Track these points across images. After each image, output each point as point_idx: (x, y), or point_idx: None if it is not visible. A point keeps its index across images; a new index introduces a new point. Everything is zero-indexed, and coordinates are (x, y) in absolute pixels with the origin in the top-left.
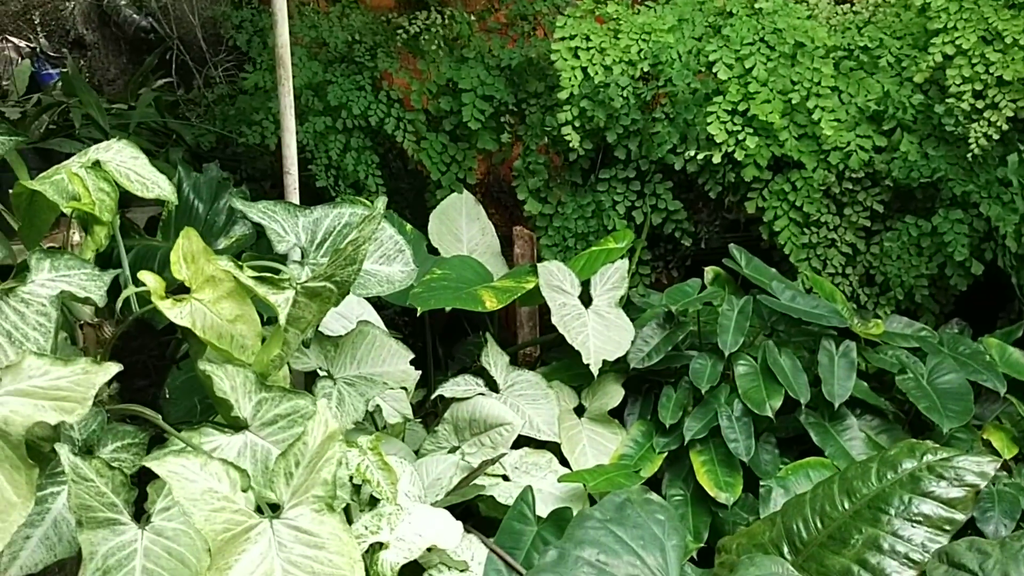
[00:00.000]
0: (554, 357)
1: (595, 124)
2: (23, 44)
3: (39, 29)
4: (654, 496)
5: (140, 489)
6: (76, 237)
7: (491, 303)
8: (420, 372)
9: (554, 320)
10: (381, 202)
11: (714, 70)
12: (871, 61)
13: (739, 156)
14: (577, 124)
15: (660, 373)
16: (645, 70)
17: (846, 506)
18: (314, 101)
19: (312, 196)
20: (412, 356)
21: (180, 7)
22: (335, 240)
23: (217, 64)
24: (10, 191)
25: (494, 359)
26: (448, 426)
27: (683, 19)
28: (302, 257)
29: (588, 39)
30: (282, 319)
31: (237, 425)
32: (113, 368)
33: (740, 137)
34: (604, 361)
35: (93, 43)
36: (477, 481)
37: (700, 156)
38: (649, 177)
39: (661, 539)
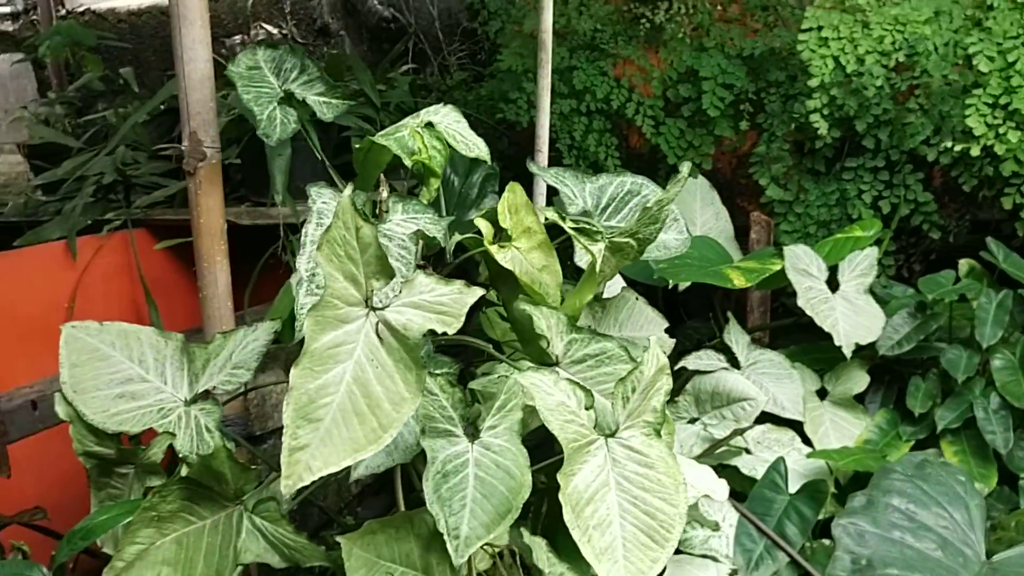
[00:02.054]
0: (784, 344)
1: (844, 112)
2: (275, 31)
3: (289, 17)
4: (950, 461)
5: None
6: (384, 194)
7: (739, 281)
8: (674, 340)
9: (800, 302)
10: (686, 167)
11: (974, 63)
12: None
13: (999, 150)
14: (826, 112)
15: (906, 363)
16: (900, 60)
17: None
18: (559, 85)
19: None
20: (667, 324)
21: None
22: (616, 206)
23: (451, 52)
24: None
25: (736, 337)
26: (689, 397)
27: (940, 11)
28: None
29: (837, 29)
30: (599, 266)
31: (545, 362)
32: (478, 291)
33: (1001, 131)
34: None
35: (337, 31)
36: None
37: (957, 148)
38: (899, 167)
39: (964, 498)
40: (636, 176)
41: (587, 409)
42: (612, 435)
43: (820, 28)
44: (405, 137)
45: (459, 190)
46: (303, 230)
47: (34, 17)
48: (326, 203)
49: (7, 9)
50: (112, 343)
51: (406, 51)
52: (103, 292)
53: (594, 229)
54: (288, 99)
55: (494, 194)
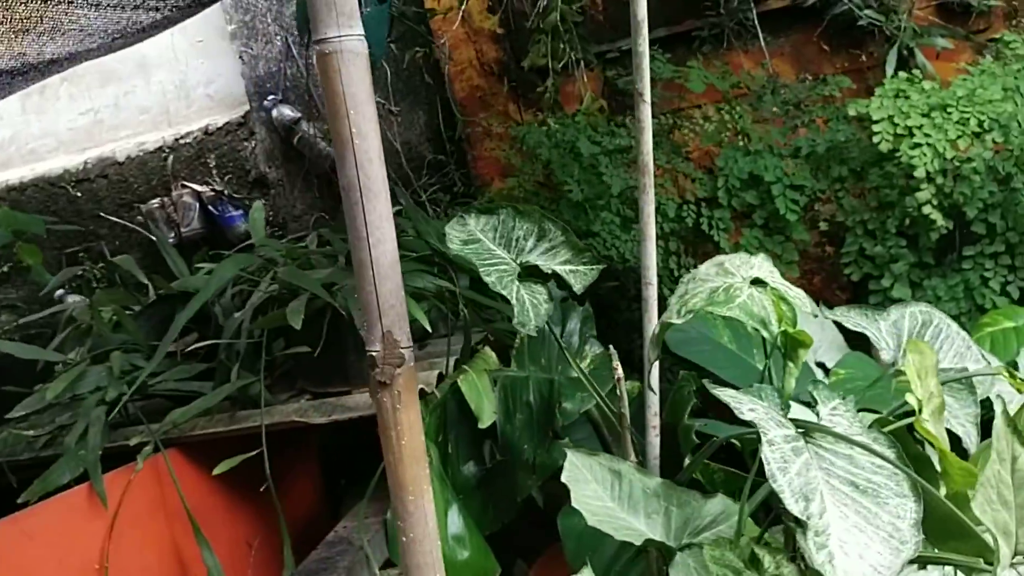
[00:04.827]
0: None
1: (954, 201)
2: (202, 188)
3: (215, 172)
4: None
5: None
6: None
7: None
8: None
9: None
10: None
11: None
12: None
13: None
14: (935, 203)
15: None
16: (997, 140)
17: None
18: (623, 208)
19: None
20: None
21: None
22: None
23: (422, 187)
24: None
25: None
26: None
27: (1008, 88)
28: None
29: (907, 116)
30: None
31: (988, 560)
32: None
33: None
34: None
35: (277, 181)
36: None
37: None
38: (1020, 249)
39: None
40: (919, 304)
41: None
42: None
43: (891, 118)
44: (748, 303)
45: (559, 339)
46: (763, 455)
47: None
48: (754, 409)
49: None
50: None
51: None
52: (138, 541)
53: None
54: (528, 273)
55: (593, 339)
